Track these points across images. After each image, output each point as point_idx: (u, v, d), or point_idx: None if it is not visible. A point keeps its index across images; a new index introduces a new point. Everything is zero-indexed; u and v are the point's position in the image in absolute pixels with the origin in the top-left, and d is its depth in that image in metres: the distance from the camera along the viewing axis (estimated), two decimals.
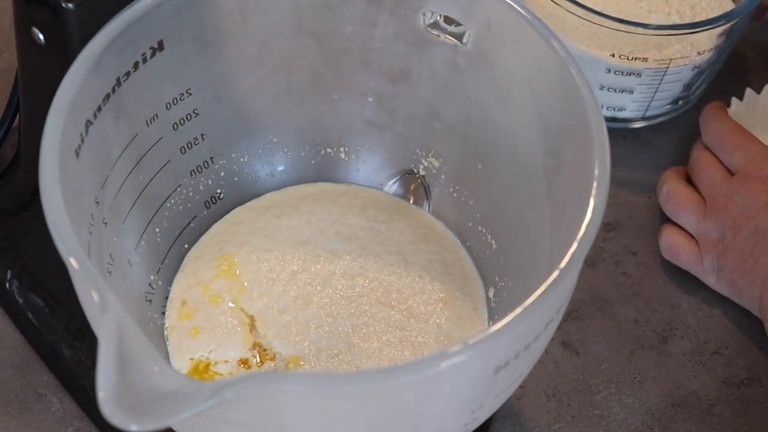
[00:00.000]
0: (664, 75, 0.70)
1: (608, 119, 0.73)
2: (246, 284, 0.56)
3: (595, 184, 0.44)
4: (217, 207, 0.59)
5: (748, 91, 0.72)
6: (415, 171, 0.59)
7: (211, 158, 0.57)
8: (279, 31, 0.55)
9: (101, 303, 0.39)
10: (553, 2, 0.67)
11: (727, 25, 0.68)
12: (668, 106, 0.73)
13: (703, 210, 0.66)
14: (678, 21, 0.70)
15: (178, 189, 0.56)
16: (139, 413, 0.36)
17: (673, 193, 0.68)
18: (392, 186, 0.60)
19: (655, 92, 0.71)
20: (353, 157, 0.60)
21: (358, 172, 0.60)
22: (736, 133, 0.68)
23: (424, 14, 0.53)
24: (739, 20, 0.68)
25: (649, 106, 0.72)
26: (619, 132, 0.74)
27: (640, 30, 0.67)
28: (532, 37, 0.49)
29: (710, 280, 0.66)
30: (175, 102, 0.53)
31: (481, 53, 0.52)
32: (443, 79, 0.55)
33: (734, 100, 0.72)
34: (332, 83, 0.57)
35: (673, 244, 0.67)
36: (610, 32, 0.68)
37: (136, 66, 0.49)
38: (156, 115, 0.53)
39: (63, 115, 0.44)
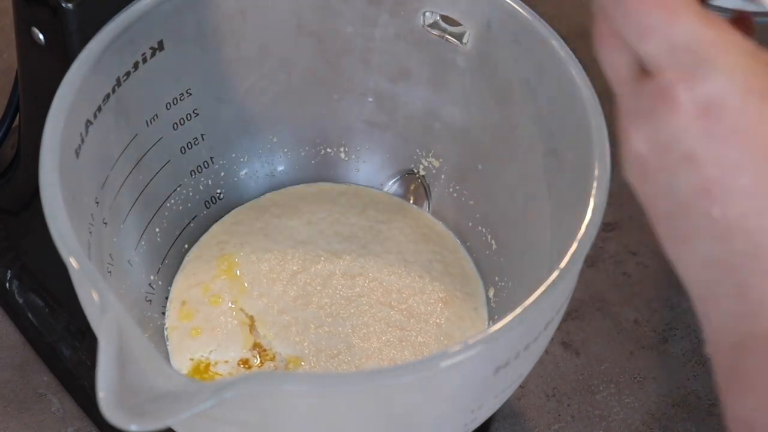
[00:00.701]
0: None
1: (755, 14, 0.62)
2: (246, 284, 0.56)
3: (595, 184, 0.44)
4: (217, 207, 0.58)
5: None
6: (415, 171, 0.59)
7: (211, 158, 0.57)
8: (279, 31, 0.55)
9: (101, 303, 0.39)
10: None
11: None
12: None
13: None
14: None
15: (178, 189, 0.56)
16: (139, 413, 0.36)
17: None
18: (392, 186, 0.60)
19: None
20: (353, 157, 0.60)
21: (358, 172, 0.60)
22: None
23: (424, 14, 0.53)
24: None
25: None
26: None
27: None
28: (532, 37, 0.49)
29: None
30: (175, 102, 0.53)
31: (481, 53, 0.52)
32: (443, 79, 0.55)
33: None
34: (332, 83, 0.57)
35: None
36: None
37: (136, 66, 0.49)
38: (156, 115, 0.53)
39: (63, 115, 0.44)
